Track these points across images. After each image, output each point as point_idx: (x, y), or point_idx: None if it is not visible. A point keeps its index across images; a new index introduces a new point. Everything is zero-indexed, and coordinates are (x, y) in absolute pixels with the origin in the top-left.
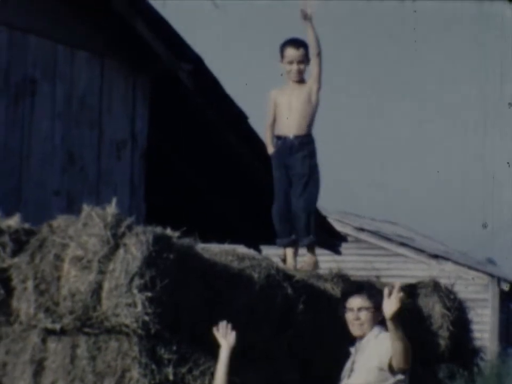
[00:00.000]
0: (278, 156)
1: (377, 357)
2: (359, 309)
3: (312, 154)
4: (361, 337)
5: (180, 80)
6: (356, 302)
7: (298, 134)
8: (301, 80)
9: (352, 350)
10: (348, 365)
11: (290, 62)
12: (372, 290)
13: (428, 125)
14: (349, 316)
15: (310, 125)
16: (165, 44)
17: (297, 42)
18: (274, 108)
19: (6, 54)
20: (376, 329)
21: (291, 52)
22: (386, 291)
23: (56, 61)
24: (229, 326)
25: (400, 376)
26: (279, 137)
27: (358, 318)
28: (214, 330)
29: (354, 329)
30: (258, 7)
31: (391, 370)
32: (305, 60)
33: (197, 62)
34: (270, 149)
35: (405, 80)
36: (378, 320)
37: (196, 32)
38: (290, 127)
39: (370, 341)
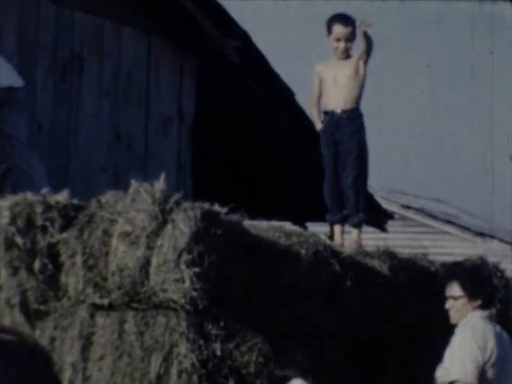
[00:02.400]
0: (326, 132)
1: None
2: (450, 298)
3: (360, 129)
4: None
5: (227, 57)
6: (448, 290)
7: (345, 109)
8: (347, 57)
9: None
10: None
11: (338, 39)
12: (465, 276)
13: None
14: (448, 304)
15: (357, 98)
16: (211, 20)
17: (346, 19)
18: (320, 83)
19: (54, 31)
20: (468, 317)
21: (339, 29)
22: None
23: (103, 37)
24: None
25: None
26: (326, 113)
27: (450, 307)
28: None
29: (451, 317)
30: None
31: None
32: (352, 38)
33: (244, 38)
34: (318, 124)
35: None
36: (474, 306)
37: None
38: (337, 101)
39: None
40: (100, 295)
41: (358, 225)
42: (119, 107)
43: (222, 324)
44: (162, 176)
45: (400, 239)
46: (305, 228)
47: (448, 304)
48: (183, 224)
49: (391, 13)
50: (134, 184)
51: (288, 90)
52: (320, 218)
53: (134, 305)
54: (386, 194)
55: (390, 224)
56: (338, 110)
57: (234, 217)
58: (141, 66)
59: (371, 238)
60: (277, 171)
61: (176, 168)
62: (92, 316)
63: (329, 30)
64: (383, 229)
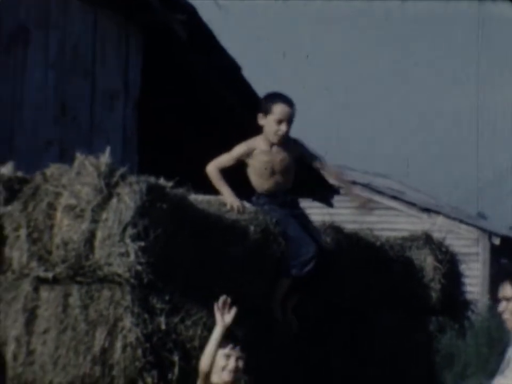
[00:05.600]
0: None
1: None
2: (503, 299)
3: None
4: None
5: (173, 31)
6: (506, 291)
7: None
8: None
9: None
10: (506, 356)
11: (280, 121)
12: None
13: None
14: (501, 306)
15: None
16: None
17: (289, 99)
18: (235, 161)
19: None
20: None
21: (284, 109)
22: None
23: (49, 10)
24: (228, 301)
25: None
26: (268, 195)
27: (504, 309)
28: (215, 305)
29: (508, 321)
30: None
31: None
32: (292, 121)
33: (190, 12)
34: (228, 192)
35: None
36: None
37: None
38: (277, 187)
39: None
40: (44, 268)
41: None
42: (65, 80)
43: (167, 298)
44: (108, 149)
45: (346, 215)
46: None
47: (501, 307)
48: (128, 198)
49: (390, 13)
50: (79, 157)
51: (234, 65)
52: None
53: (79, 278)
54: None
55: (336, 199)
56: (278, 196)
57: (180, 191)
58: (87, 39)
59: (317, 213)
60: (222, 147)
61: (122, 142)
62: (36, 289)
63: (267, 109)
64: (329, 204)
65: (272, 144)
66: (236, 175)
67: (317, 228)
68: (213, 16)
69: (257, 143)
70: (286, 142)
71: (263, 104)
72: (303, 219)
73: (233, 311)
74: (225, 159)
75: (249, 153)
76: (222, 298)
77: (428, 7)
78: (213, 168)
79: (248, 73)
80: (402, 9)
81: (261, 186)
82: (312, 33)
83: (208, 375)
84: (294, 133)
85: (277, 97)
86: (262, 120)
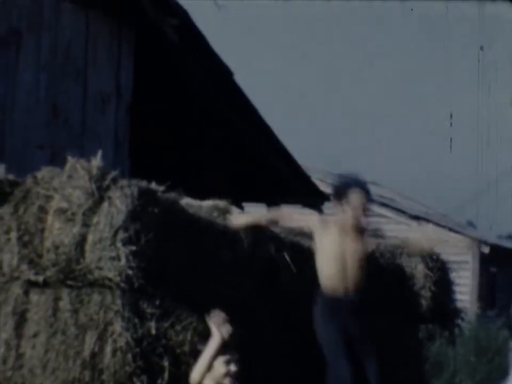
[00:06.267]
0: (332, 312)
1: None
2: None
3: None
4: None
5: (165, 34)
6: None
7: (354, 298)
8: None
9: None
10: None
11: (357, 209)
12: None
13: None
14: None
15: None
16: None
17: (365, 186)
18: (305, 228)
19: None
20: None
21: (361, 199)
22: None
23: (42, 12)
24: (224, 316)
25: None
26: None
27: None
28: (207, 318)
29: None
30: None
31: None
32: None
33: (182, 16)
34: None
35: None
36: None
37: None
38: (346, 285)
39: None
40: (35, 271)
41: None
42: (56, 82)
43: (157, 302)
44: (100, 153)
45: None
46: (242, 208)
47: None
48: (119, 202)
49: (390, 13)
50: (70, 160)
51: (226, 70)
52: (256, 199)
53: (69, 282)
54: (323, 176)
55: (327, 206)
56: (346, 297)
57: (172, 195)
58: (79, 42)
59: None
60: (213, 151)
61: (113, 145)
62: (26, 292)
63: (343, 197)
64: (319, 210)
65: (344, 232)
66: None
67: (370, 349)
68: (212, 16)
69: (331, 226)
70: (360, 231)
71: (337, 189)
72: (357, 335)
73: (229, 326)
74: (295, 217)
75: (318, 230)
76: (215, 312)
77: (427, 8)
78: (279, 211)
79: (248, 73)
80: (402, 9)
81: (326, 276)
82: (312, 34)
83: None
84: (283, 140)
85: (352, 184)
86: (337, 207)
